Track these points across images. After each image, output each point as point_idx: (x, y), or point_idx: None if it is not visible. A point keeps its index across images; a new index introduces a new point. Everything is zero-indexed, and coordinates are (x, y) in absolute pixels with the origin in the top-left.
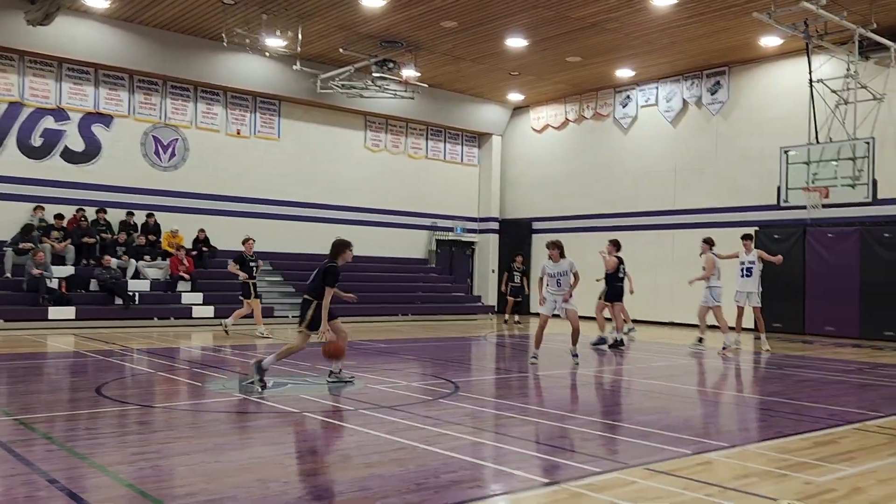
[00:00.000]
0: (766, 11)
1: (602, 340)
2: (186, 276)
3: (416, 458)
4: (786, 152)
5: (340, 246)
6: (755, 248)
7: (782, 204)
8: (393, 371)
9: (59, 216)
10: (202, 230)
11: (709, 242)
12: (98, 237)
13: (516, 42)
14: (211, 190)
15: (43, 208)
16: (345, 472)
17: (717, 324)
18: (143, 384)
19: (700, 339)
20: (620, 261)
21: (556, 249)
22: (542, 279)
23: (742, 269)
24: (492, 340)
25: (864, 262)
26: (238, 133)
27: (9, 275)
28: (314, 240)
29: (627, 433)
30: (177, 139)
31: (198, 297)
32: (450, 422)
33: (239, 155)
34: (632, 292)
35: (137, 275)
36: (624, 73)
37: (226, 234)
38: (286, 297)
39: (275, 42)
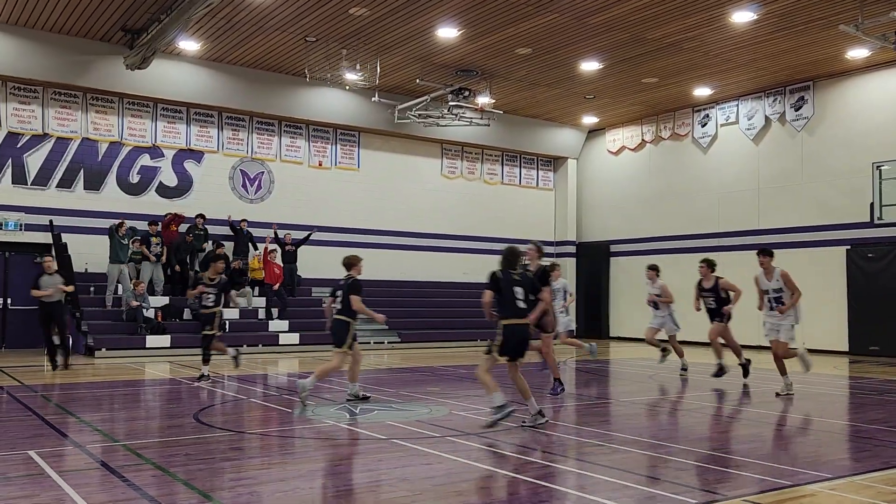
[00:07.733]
0: (853, 24)
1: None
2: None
3: (496, 483)
4: (879, 168)
5: (354, 259)
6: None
7: (876, 221)
8: (476, 398)
9: (153, 223)
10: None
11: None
12: (195, 251)
13: (591, 65)
14: (295, 220)
15: (123, 223)
16: (439, 500)
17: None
18: (236, 410)
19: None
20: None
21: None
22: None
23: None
24: (569, 365)
25: None
26: (320, 164)
27: (109, 305)
28: (393, 267)
29: (722, 463)
30: (263, 172)
31: (284, 324)
32: (536, 448)
33: (321, 186)
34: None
35: (227, 304)
36: (702, 91)
37: (311, 263)
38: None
39: (354, 76)
